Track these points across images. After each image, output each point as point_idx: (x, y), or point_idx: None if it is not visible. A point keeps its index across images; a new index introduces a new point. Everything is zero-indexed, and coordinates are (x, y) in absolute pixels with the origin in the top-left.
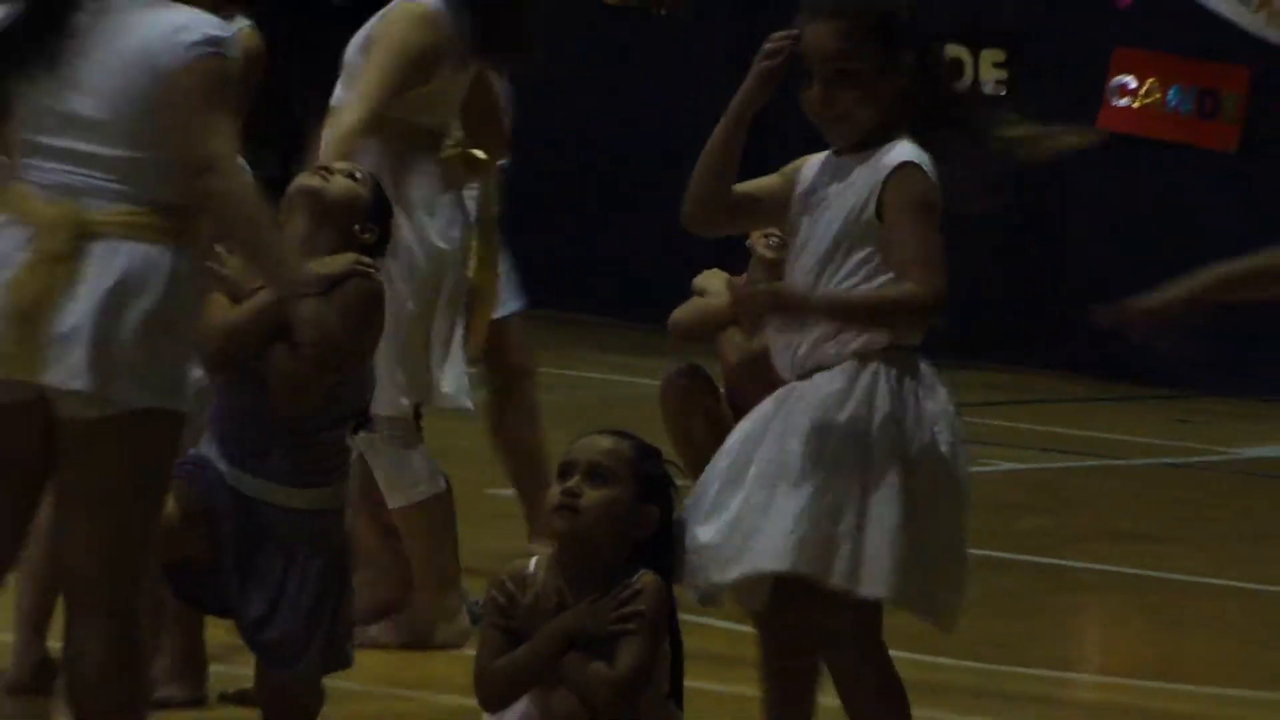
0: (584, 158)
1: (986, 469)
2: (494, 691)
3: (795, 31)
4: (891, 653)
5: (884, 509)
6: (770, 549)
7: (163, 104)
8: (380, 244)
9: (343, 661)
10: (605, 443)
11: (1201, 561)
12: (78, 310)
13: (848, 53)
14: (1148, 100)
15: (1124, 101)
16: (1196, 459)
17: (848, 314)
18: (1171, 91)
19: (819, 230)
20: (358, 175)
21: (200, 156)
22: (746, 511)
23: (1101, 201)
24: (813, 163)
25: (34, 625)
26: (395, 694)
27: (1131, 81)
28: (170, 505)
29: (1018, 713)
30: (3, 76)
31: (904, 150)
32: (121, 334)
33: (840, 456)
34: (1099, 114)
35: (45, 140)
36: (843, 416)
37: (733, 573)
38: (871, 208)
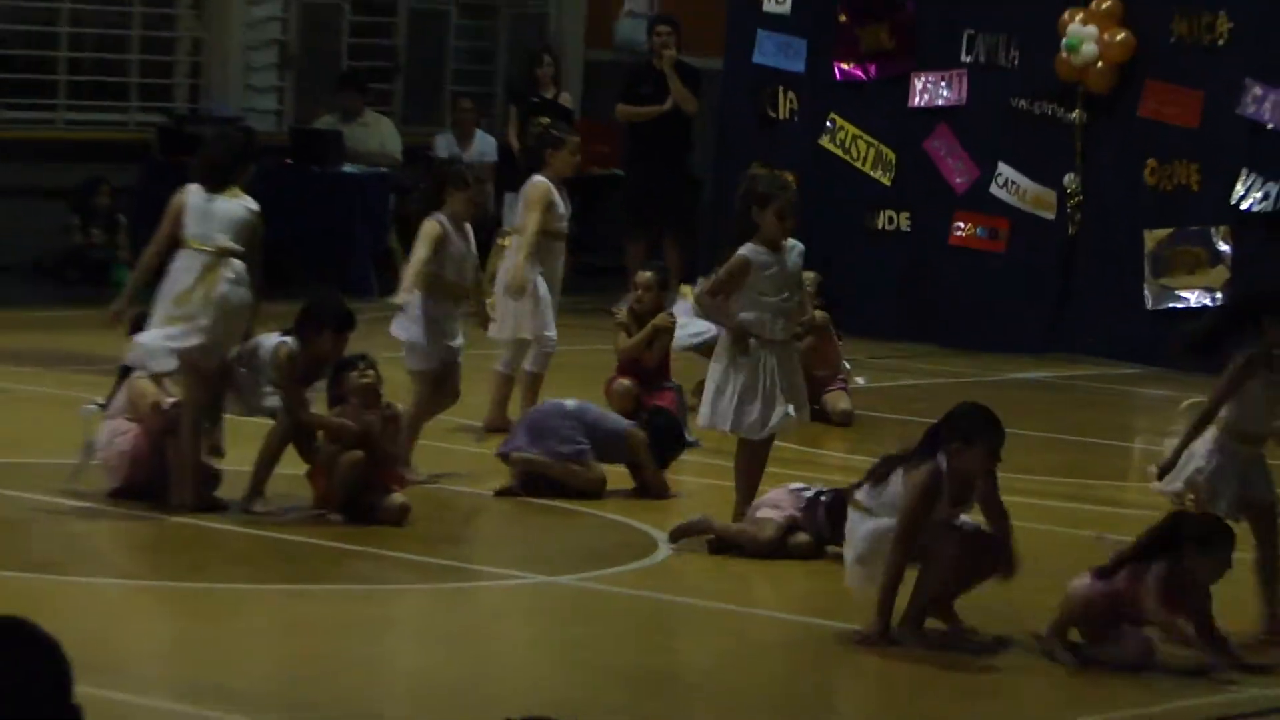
0: None
1: None
2: None
3: None
4: None
5: None
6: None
7: None
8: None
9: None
10: None
11: None
12: None
13: None
14: (971, 232)
15: (959, 232)
16: None
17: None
18: (979, 229)
19: None
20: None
21: None
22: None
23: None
24: None
25: None
26: None
27: (963, 224)
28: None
29: None
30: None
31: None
32: None
33: None
34: (949, 238)
35: None
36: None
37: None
38: None
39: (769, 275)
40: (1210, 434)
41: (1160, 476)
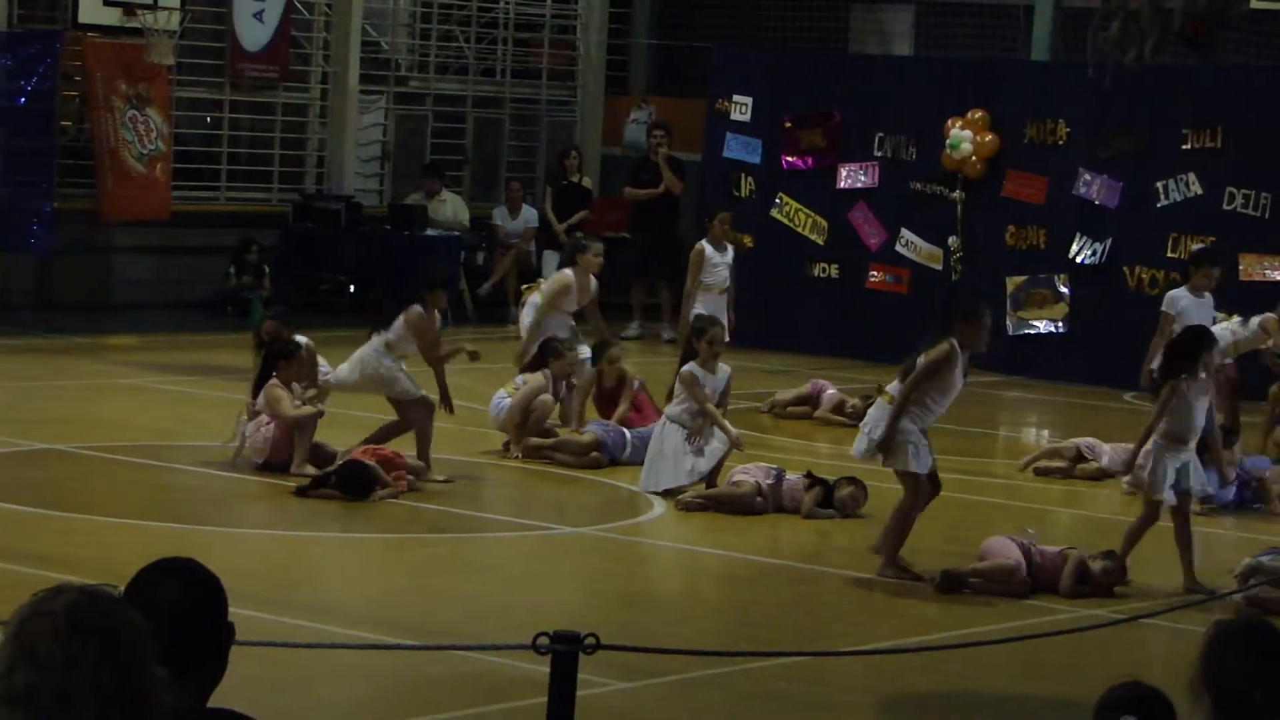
0: None
1: None
2: None
3: None
4: None
5: None
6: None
7: None
8: None
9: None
10: None
11: None
12: None
13: None
14: (882, 279)
15: (874, 279)
16: None
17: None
18: (888, 276)
19: None
20: None
21: None
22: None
23: (877, 303)
24: None
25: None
26: None
27: (876, 273)
28: None
29: None
30: None
31: None
32: None
33: None
34: (866, 283)
35: None
36: None
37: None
38: None
39: (702, 385)
40: (1150, 442)
41: (1127, 473)
